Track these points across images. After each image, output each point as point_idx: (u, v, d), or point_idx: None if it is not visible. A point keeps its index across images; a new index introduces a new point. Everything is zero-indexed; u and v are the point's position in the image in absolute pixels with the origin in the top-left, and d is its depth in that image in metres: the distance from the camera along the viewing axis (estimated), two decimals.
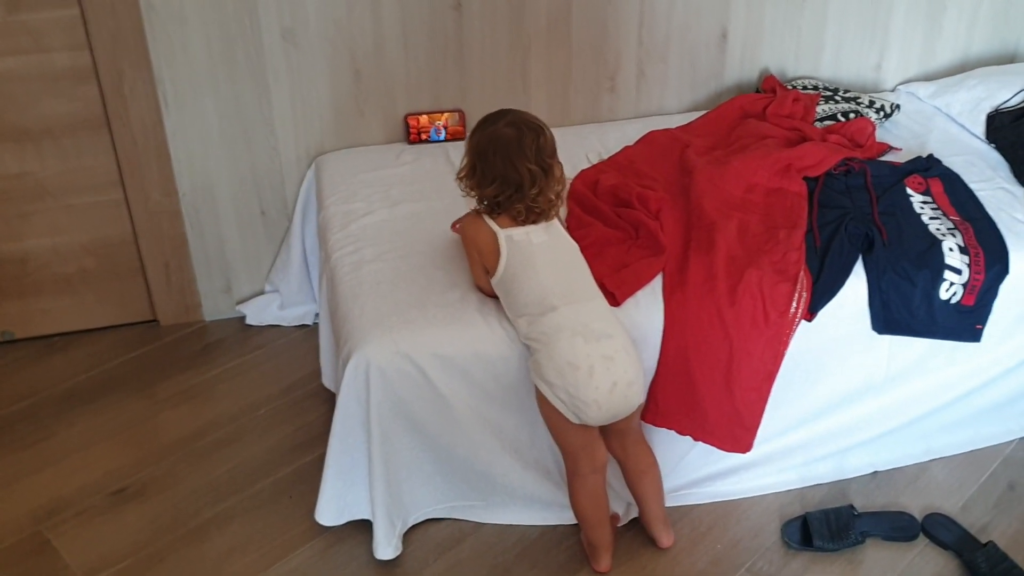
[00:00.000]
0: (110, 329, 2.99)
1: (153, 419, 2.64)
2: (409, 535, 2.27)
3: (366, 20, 2.73)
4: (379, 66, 2.80)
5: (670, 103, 3.15)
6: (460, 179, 2.11)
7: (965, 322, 2.34)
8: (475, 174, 2.06)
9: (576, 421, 2.00)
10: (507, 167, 2.00)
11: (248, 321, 3.00)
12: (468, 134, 2.11)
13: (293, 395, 2.73)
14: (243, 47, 2.65)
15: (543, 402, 2.02)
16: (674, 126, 2.97)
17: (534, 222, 2.07)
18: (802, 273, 2.26)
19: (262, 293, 3.04)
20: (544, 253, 2.07)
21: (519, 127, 2.02)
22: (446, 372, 2.10)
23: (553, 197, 2.05)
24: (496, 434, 2.20)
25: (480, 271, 2.14)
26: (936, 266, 2.31)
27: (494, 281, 2.08)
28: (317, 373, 2.72)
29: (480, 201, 2.10)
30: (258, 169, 2.84)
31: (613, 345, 2.00)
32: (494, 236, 2.05)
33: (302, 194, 2.87)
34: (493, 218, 2.08)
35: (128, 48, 2.57)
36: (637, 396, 2.04)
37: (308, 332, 2.98)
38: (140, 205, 2.79)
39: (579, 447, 2.06)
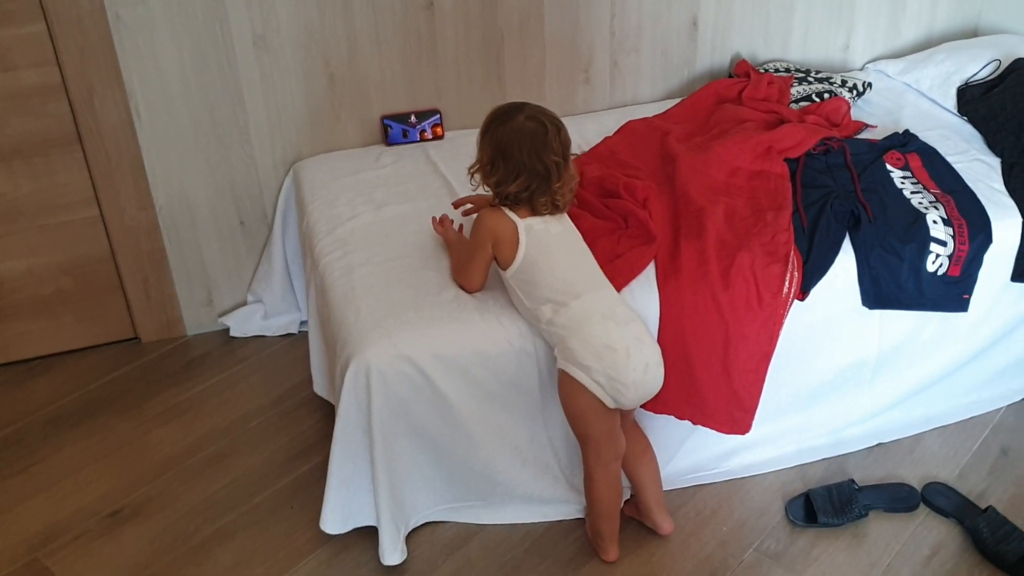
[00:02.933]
0: (90, 349, 2.93)
1: (143, 438, 2.59)
2: (415, 537, 2.26)
3: (338, 23, 2.70)
4: (353, 69, 2.78)
5: (644, 92, 3.16)
6: (473, 173, 2.08)
7: (952, 293, 2.38)
8: (497, 170, 2.03)
9: (612, 405, 2.01)
10: (534, 160, 2.00)
11: (232, 333, 2.96)
12: (486, 129, 2.06)
13: (284, 405, 2.69)
14: (215, 56, 2.61)
15: (574, 390, 2.01)
16: (650, 115, 2.98)
17: (551, 214, 2.07)
18: (792, 253, 2.28)
19: (244, 304, 3.00)
20: (562, 242, 2.08)
21: (542, 121, 2.02)
22: (446, 372, 2.09)
23: (569, 192, 2.07)
24: (496, 432, 2.19)
25: (484, 263, 2.13)
26: (922, 239, 2.34)
27: (511, 272, 2.07)
28: (307, 382, 2.69)
29: (501, 197, 2.06)
30: (235, 178, 2.80)
31: (639, 328, 2.05)
32: (515, 227, 2.05)
33: (281, 201, 2.84)
34: (512, 210, 2.07)
35: (97, 62, 2.52)
36: (662, 376, 2.09)
37: (294, 341, 2.94)
38: (116, 221, 2.74)
39: (603, 434, 2.06)
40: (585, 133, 2.91)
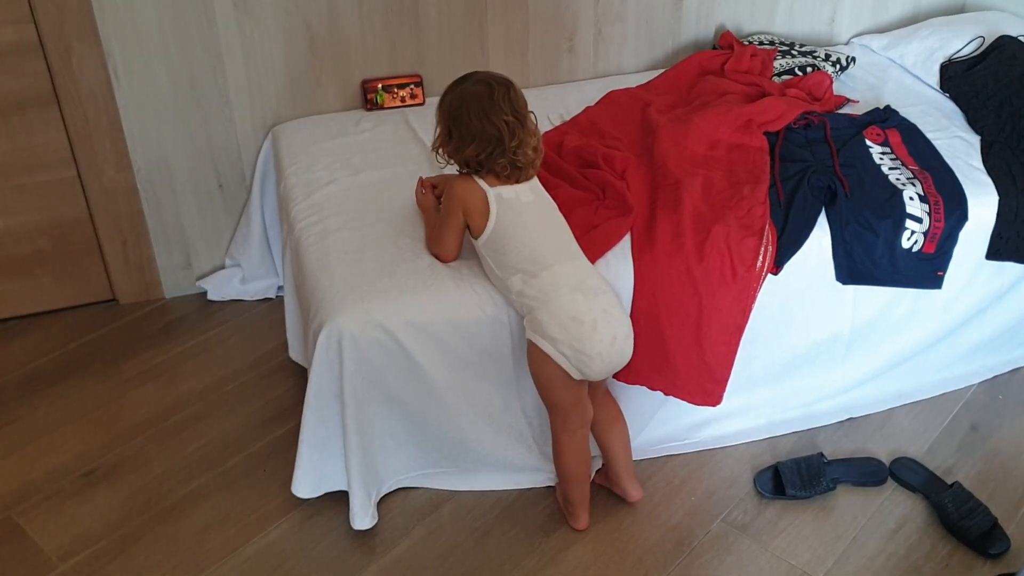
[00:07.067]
0: (68, 310, 2.93)
1: (118, 400, 2.59)
2: (387, 503, 2.27)
3: None
4: (334, 33, 2.76)
5: (628, 62, 3.14)
6: (436, 149, 2.09)
7: (926, 270, 2.39)
8: (452, 138, 2.04)
9: (578, 376, 2.02)
10: (483, 123, 1.99)
11: (210, 297, 2.96)
12: (439, 101, 2.08)
13: (260, 369, 2.70)
14: (194, 16, 2.59)
15: (541, 360, 2.02)
16: (633, 85, 2.97)
17: (518, 180, 2.06)
18: (767, 227, 2.28)
19: (223, 268, 2.99)
20: (533, 211, 2.08)
21: (488, 83, 2.02)
22: (420, 339, 2.09)
23: (531, 151, 2.05)
24: (469, 400, 2.20)
25: (456, 232, 2.13)
26: (898, 215, 2.34)
27: (482, 240, 2.07)
28: (283, 347, 2.69)
29: (462, 165, 2.07)
30: (214, 141, 2.79)
31: (608, 300, 2.05)
32: (484, 195, 2.04)
33: (260, 165, 2.82)
34: (481, 178, 2.06)
35: (75, 20, 2.49)
36: (630, 349, 2.09)
37: (271, 306, 2.94)
38: (94, 182, 2.73)
39: (571, 403, 2.08)
40: (568, 103, 2.90)
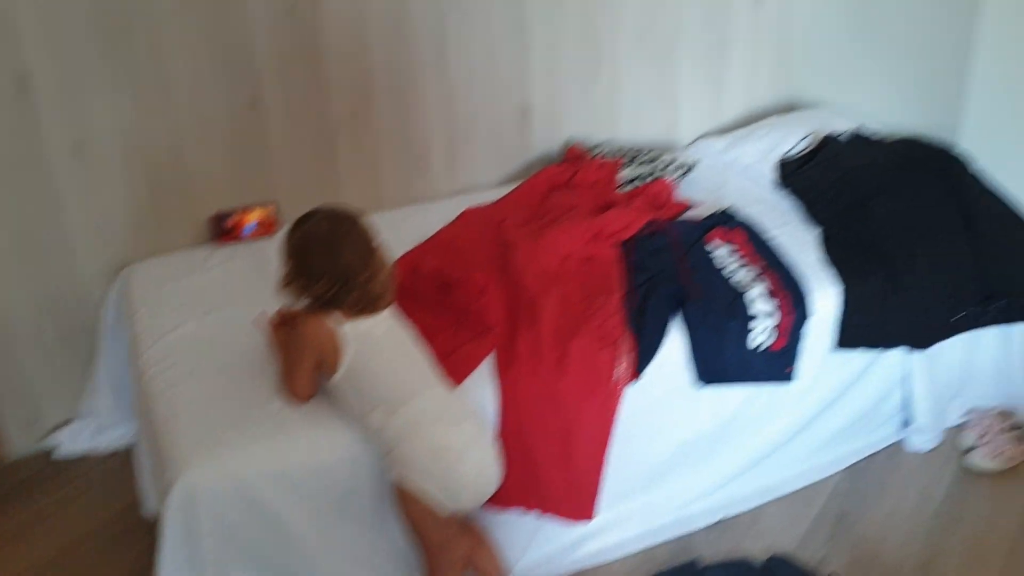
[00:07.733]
0: None
1: None
2: None
3: (159, 127, 2.64)
4: (178, 172, 2.71)
5: (482, 179, 3.19)
6: (284, 287, 2.04)
7: (776, 366, 2.45)
8: (299, 277, 2.01)
9: (450, 508, 1.98)
10: (330, 261, 1.97)
11: (61, 452, 2.79)
12: (284, 239, 2.05)
13: (114, 529, 2.53)
14: (29, 166, 2.50)
15: (409, 497, 1.97)
16: (490, 200, 3.00)
17: (371, 312, 2.03)
18: (624, 337, 2.31)
19: (73, 420, 2.83)
20: (389, 342, 2.05)
21: (332, 219, 2.01)
22: (277, 489, 2.00)
23: (381, 285, 2.03)
24: (337, 547, 2.11)
25: (308, 373, 2.06)
26: (742, 317, 2.41)
27: (337, 378, 2.02)
28: (138, 502, 2.55)
29: (313, 302, 2.03)
30: (58, 289, 2.68)
31: (472, 426, 2.03)
32: (334, 332, 2.00)
33: (110, 310, 2.72)
34: (332, 314, 2.02)
35: None
36: (498, 474, 2.06)
37: (127, 457, 2.78)
38: None
39: (444, 539, 2.02)
40: (425, 225, 2.89)
